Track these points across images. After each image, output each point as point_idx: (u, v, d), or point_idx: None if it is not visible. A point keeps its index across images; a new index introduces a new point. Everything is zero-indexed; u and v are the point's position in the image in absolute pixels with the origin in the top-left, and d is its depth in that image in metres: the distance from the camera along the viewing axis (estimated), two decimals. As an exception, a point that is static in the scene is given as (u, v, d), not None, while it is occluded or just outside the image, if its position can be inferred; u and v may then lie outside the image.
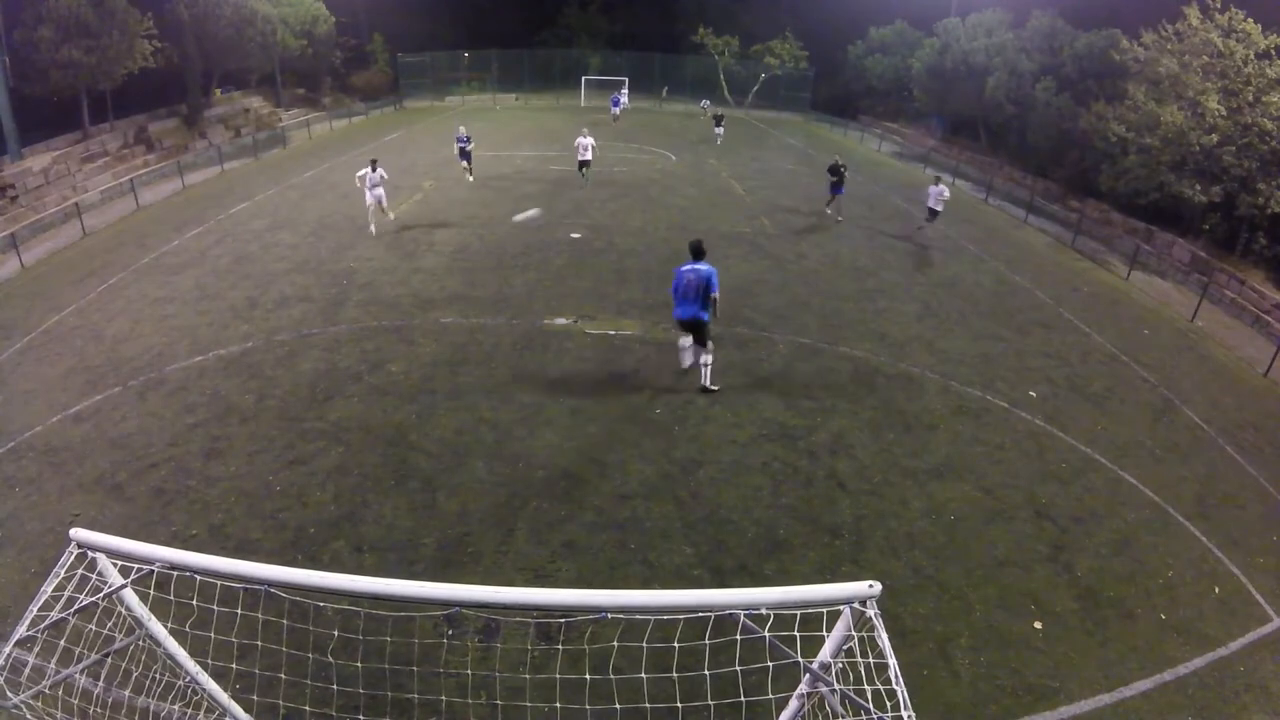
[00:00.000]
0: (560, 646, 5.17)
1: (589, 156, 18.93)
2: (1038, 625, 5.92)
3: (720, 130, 28.33)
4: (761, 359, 10.13)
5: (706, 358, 8.93)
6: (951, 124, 30.57)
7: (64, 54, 18.86)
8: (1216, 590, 6.59)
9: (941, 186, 16.76)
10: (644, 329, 10.81)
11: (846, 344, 10.79)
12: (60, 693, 3.34)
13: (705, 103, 36.84)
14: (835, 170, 17.26)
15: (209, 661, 3.70)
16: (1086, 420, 9.31)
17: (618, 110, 31.93)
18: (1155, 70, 18.40)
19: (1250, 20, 17.07)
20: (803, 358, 10.27)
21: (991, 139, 27.85)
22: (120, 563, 3.17)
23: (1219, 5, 17.42)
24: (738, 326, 11.08)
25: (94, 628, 3.36)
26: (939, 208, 16.72)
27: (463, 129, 19.20)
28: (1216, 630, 6.08)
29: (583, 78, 38.10)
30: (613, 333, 10.64)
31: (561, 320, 10.94)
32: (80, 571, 3.15)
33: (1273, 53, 16.61)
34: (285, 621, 3.54)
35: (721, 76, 40.50)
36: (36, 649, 3.17)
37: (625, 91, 33.54)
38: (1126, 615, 6.15)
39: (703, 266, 8.36)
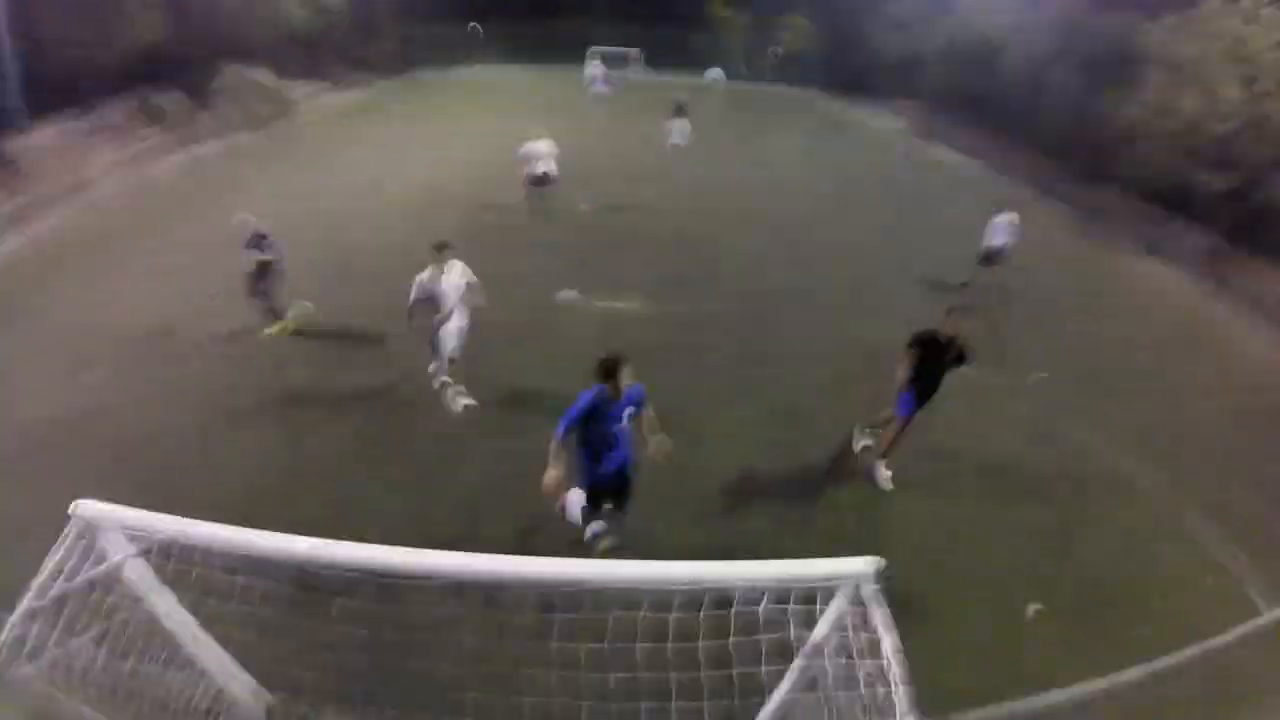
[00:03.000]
0: (558, 616, 5.21)
1: (546, 169, 13.20)
2: (1032, 610, 5.94)
3: (676, 124, 19.12)
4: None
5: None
6: (966, 104, 30.11)
7: (68, 25, 18.72)
8: (1210, 582, 6.60)
9: (1005, 215, 12.07)
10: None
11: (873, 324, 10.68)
12: (64, 664, 3.39)
13: (715, 73, 35.98)
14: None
15: (212, 630, 3.75)
16: (1089, 409, 9.24)
17: (604, 88, 27.30)
18: (1174, 56, 18.04)
19: (1274, 5, 16.67)
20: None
21: (1006, 120, 27.44)
22: (123, 534, 3.21)
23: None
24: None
25: (97, 598, 3.40)
26: (1001, 242, 11.98)
27: (252, 220, 9.41)
28: (1209, 623, 6.06)
29: (589, 48, 37.29)
30: (621, 305, 10.61)
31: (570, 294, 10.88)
32: (83, 544, 3.19)
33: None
34: (287, 589, 3.57)
35: (739, 50, 39.78)
36: (40, 622, 3.21)
37: (597, 61, 29.49)
38: (1120, 605, 6.17)
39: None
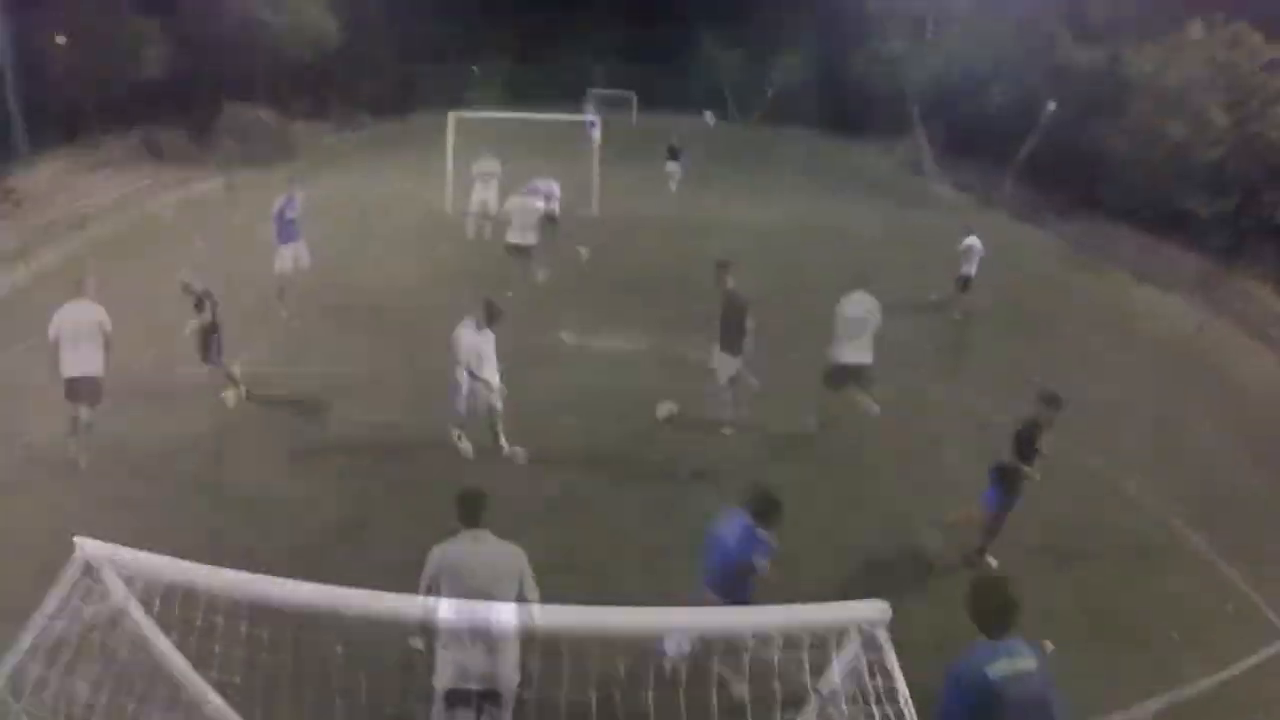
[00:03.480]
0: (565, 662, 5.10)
1: (548, 208, 13.47)
2: (1047, 645, 5.83)
3: (676, 167, 21.70)
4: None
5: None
6: (953, 135, 30.64)
7: (72, 61, 19.02)
8: (1229, 607, 6.49)
9: (973, 238, 12.73)
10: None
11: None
12: (64, 704, 3.32)
13: (708, 115, 36.81)
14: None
15: (212, 676, 3.66)
16: (1090, 434, 9.16)
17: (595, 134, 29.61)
18: (1159, 84, 18.42)
19: (1255, 32, 17.08)
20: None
21: (993, 151, 27.87)
22: (123, 576, 3.16)
23: (1223, 17, 17.45)
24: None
25: (98, 638, 3.33)
26: (970, 268, 12.68)
27: (194, 280, 8.65)
28: (1228, 647, 5.98)
29: (588, 89, 38.07)
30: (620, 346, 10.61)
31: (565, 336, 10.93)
32: (85, 582, 3.14)
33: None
34: (289, 631, 3.48)
35: (726, 91, 40.58)
36: (40, 658, 3.15)
37: (591, 109, 31.77)
38: (1137, 633, 6.06)
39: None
